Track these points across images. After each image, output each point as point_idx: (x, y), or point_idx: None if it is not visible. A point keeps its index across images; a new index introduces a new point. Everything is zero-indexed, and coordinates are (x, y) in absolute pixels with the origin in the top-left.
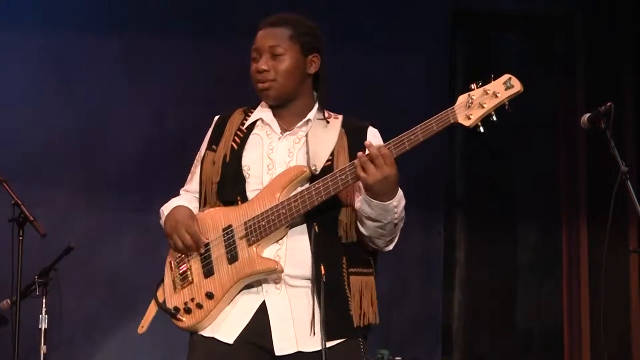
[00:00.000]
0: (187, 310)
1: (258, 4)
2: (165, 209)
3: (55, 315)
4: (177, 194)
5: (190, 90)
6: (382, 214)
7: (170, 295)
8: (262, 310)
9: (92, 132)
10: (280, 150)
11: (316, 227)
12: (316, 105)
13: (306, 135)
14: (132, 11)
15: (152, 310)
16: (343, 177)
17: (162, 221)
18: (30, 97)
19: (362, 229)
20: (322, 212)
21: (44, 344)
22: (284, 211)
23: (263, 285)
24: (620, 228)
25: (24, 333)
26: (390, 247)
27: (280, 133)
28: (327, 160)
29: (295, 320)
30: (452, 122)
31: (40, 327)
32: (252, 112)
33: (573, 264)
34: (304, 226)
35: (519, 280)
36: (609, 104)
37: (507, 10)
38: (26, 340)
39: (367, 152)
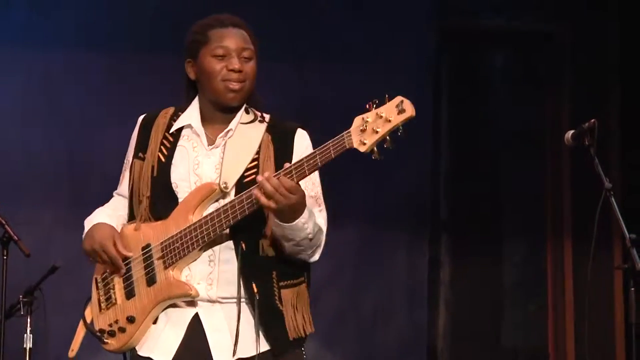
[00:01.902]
0: (112, 334)
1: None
2: (87, 223)
3: (40, 335)
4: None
5: None
6: (294, 232)
7: (96, 316)
8: (197, 322)
9: (77, 152)
10: (207, 166)
11: (243, 245)
12: (241, 111)
13: (224, 148)
14: (118, 30)
15: (80, 331)
16: (249, 201)
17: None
18: (14, 116)
19: (282, 249)
20: (247, 229)
21: None
22: (195, 234)
23: (197, 303)
24: (605, 245)
25: (8, 353)
26: (315, 257)
27: (207, 145)
28: (251, 174)
29: (231, 331)
30: (347, 147)
31: (25, 346)
32: (178, 116)
33: (558, 282)
34: (232, 246)
35: (504, 300)
36: (592, 120)
37: (493, 27)
38: None
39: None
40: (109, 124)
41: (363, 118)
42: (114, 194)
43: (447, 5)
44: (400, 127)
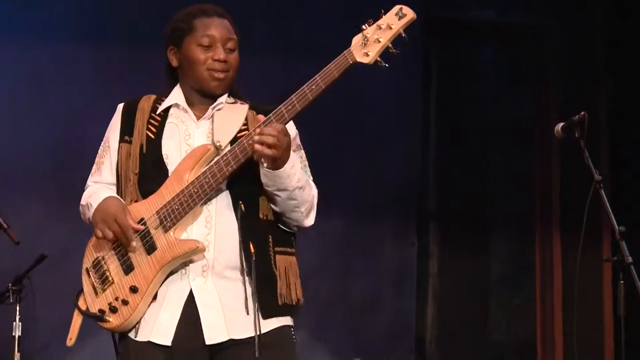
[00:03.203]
0: (113, 310)
1: (235, 18)
2: (93, 200)
3: (29, 323)
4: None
5: None
6: (284, 180)
7: (92, 301)
8: (191, 301)
9: (67, 141)
10: (198, 137)
11: (242, 206)
12: (224, 95)
13: (212, 115)
14: (108, 21)
15: (77, 320)
16: (250, 142)
17: (89, 213)
18: (3, 105)
19: (276, 208)
20: (245, 192)
21: (18, 351)
22: (195, 190)
23: (190, 275)
24: (594, 237)
25: None
26: (310, 220)
27: (196, 120)
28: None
29: (224, 308)
30: (351, 62)
31: (13, 334)
32: (162, 100)
33: (546, 275)
34: (231, 207)
35: (492, 292)
36: (582, 113)
37: (482, 20)
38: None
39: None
40: (98, 116)
41: (363, 34)
42: (90, 183)
43: None
44: (403, 33)
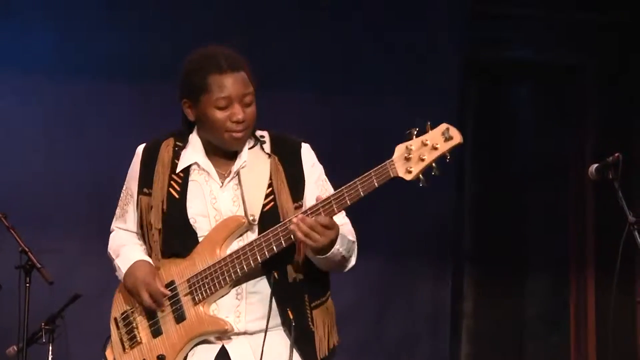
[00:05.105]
0: None
1: (274, 54)
2: (121, 262)
3: None
4: None
5: None
6: (330, 260)
7: (119, 355)
8: (224, 355)
9: (103, 179)
10: (225, 200)
11: (276, 275)
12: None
13: (239, 179)
14: (148, 58)
15: None
16: (285, 234)
17: (117, 272)
18: (42, 142)
19: (317, 268)
20: (277, 257)
21: None
22: (227, 269)
23: (223, 340)
24: (628, 279)
25: None
26: (351, 264)
27: (220, 181)
28: (269, 202)
29: None
30: (392, 176)
31: None
32: (180, 148)
33: (580, 316)
34: (262, 277)
35: (526, 333)
36: (617, 154)
37: (518, 60)
38: None
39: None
40: (134, 154)
41: (407, 146)
42: (115, 227)
43: (474, 37)
44: (448, 154)
